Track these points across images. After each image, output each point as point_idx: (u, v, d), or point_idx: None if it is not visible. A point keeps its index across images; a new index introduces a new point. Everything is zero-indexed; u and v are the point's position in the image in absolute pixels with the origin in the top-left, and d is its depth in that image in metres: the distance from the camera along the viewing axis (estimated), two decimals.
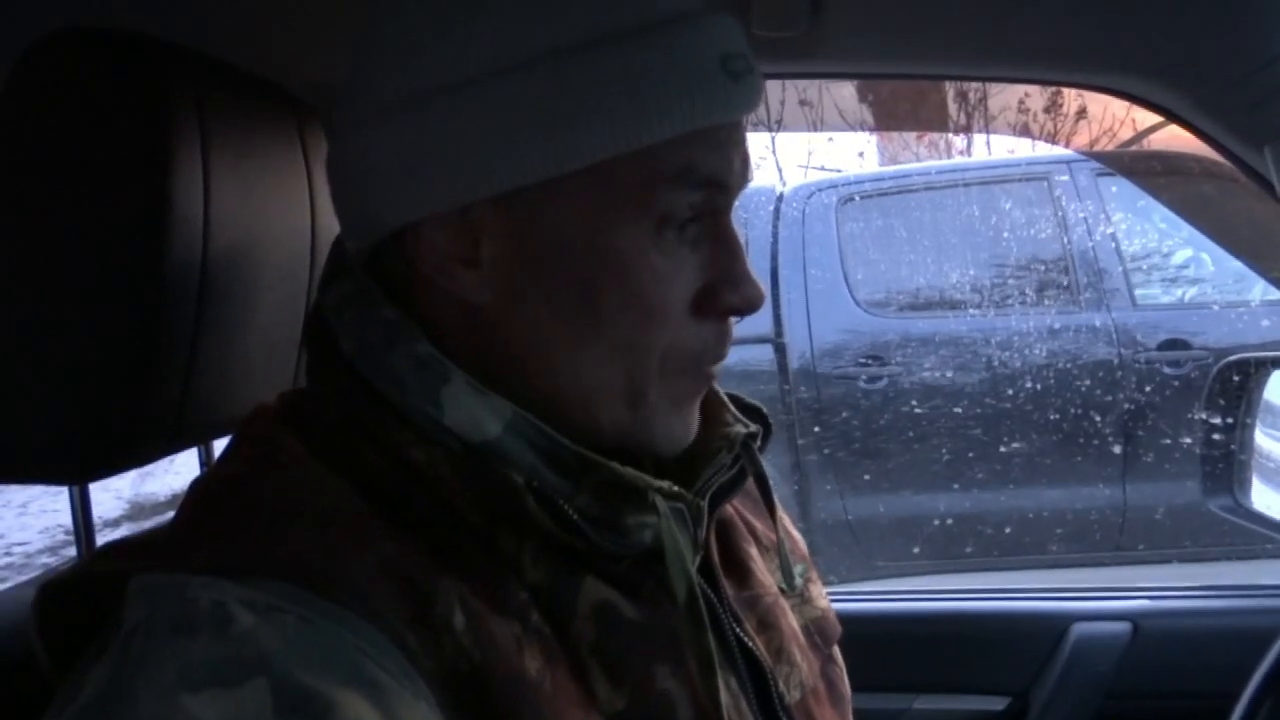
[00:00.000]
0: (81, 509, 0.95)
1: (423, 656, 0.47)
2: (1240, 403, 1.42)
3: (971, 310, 3.45)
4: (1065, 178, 3.50)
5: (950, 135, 6.88)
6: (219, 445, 0.66)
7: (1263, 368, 1.45)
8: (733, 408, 0.65)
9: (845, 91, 4.86)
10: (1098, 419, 3.27)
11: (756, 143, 5.87)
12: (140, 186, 0.59)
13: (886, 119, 5.94)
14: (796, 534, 0.76)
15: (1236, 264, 3.42)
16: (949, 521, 3.27)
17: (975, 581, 2.75)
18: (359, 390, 0.55)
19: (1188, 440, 3.10)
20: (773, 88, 3.96)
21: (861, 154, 6.84)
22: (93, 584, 0.50)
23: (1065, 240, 3.45)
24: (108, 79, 0.60)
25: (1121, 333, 3.32)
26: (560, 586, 0.54)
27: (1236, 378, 1.47)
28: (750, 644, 0.62)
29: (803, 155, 6.58)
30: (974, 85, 5.98)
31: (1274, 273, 3.37)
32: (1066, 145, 5.83)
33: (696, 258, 0.56)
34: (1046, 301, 3.43)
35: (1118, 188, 3.52)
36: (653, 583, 0.57)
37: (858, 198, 3.65)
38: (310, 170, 0.78)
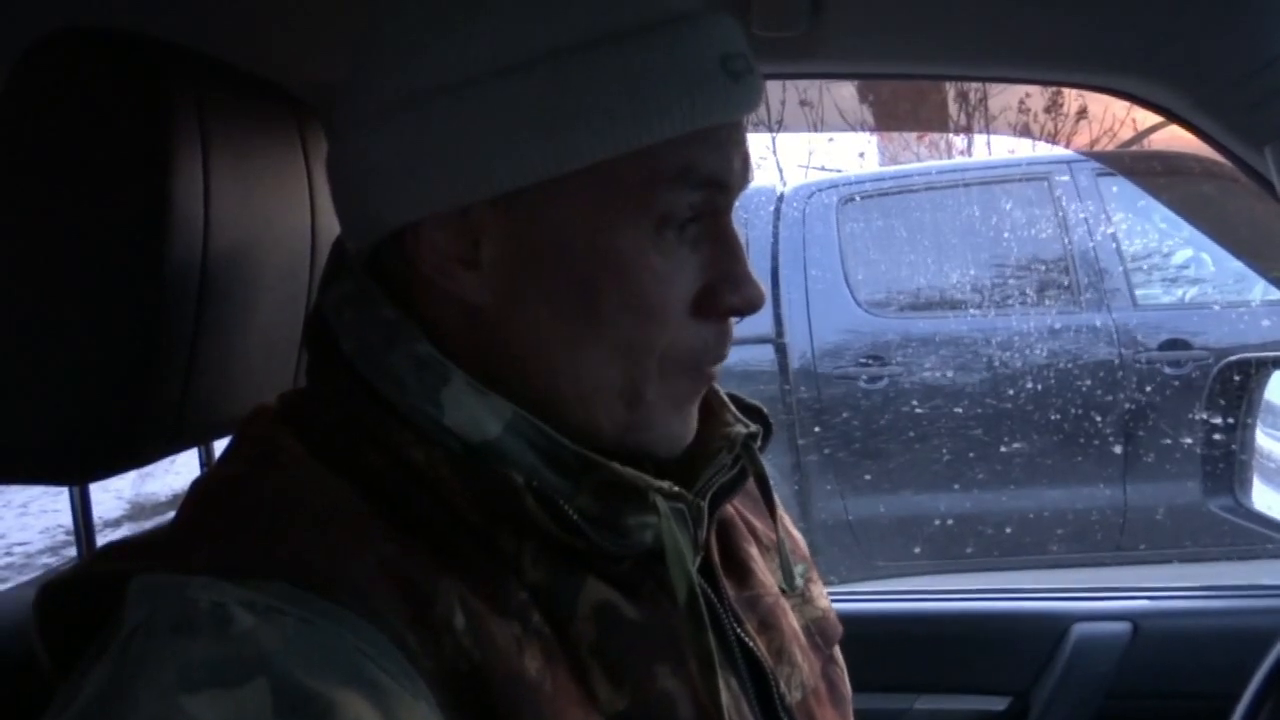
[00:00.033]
0: (82, 509, 0.95)
1: (423, 657, 0.47)
2: (1241, 403, 1.42)
3: (972, 310, 3.44)
4: (1066, 178, 3.50)
5: (951, 135, 6.87)
6: (219, 445, 0.66)
7: (1263, 368, 1.46)
8: (733, 408, 0.65)
9: (845, 92, 4.87)
10: (1098, 419, 3.27)
11: (757, 143, 5.85)
12: (140, 186, 0.59)
13: (887, 119, 5.95)
14: (797, 534, 0.76)
15: (1237, 264, 3.42)
16: (949, 521, 3.27)
17: (976, 581, 2.74)
18: (359, 390, 0.55)
19: (1188, 440, 3.10)
20: (773, 88, 3.96)
21: (862, 154, 6.85)
22: (93, 584, 0.50)
23: (1066, 240, 3.45)
24: (108, 79, 0.60)
25: (1122, 333, 3.32)
26: (560, 587, 0.54)
27: (1237, 378, 1.47)
28: (751, 644, 0.62)
29: (803, 155, 6.59)
30: (974, 85, 5.97)
31: (1274, 273, 3.36)
32: (1067, 145, 5.82)
33: (697, 258, 0.56)
34: (1047, 301, 3.43)
35: (1118, 188, 3.52)
36: (653, 583, 0.57)
37: (858, 198, 3.64)
38: (310, 170, 0.78)
